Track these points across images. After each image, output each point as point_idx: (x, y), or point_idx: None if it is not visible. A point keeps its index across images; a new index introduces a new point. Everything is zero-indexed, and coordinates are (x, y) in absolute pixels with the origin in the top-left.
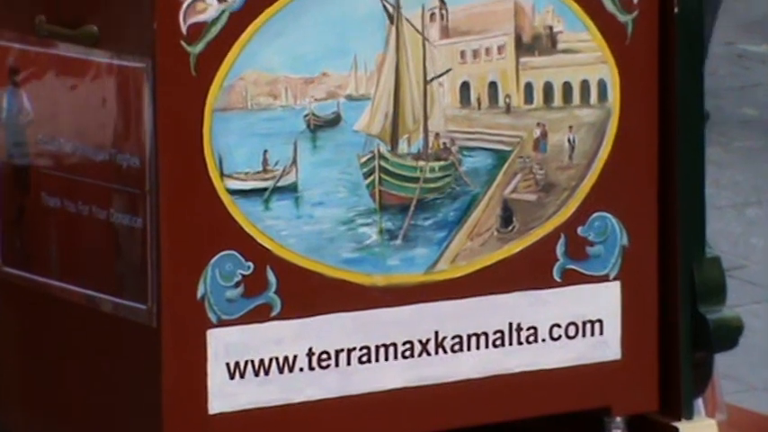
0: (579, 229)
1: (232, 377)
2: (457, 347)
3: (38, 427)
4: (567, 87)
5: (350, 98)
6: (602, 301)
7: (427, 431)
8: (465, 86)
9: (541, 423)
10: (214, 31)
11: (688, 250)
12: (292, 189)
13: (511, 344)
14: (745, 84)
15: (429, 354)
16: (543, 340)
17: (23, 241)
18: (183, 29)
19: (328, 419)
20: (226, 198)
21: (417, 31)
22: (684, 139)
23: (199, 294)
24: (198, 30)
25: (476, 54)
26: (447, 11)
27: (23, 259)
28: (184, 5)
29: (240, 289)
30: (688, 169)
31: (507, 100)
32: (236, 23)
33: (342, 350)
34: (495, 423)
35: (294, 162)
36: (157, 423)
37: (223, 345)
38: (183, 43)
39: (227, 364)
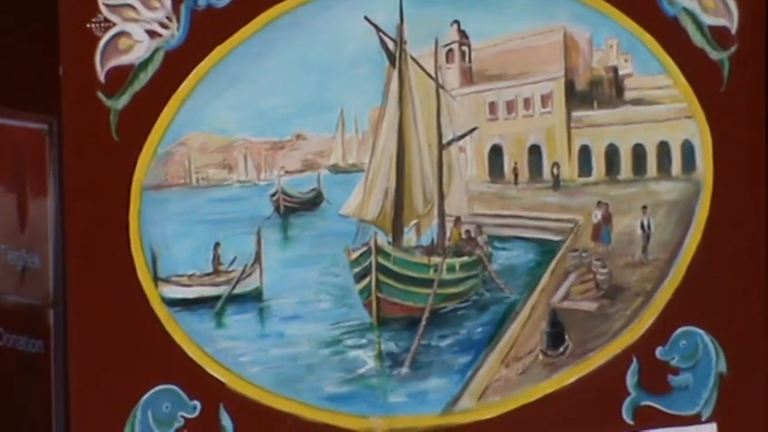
0: (658, 351)
1: None
2: None
3: None
4: (638, 152)
5: (335, 170)
6: None
7: None
8: (496, 152)
9: None
10: (144, 77)
11: None
12: (255, 297)
13: None
14: None
15: None
16: None
17: None
18: (101, 75)
19: None
20: (161, 311)
21: (429, 75)
22: None
23: None
24: (121, 76)
25: (510, 107)
26: (470, 47)
27: None
28: (102, 42)
29: None
30: None
31: (555, 170)
32: (175, 67)
33: None
34: None
35: (257, 260)
36: None
37: None
38: (100, 95)
39: None
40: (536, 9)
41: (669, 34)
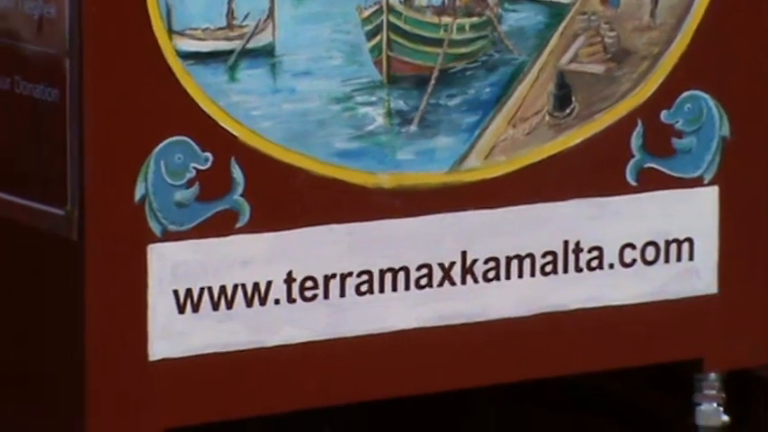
0: (663, 114)
1: (182, 311)
2: (491, 275)
3: None
4: None
5: None
6: (694, 213)
7: (450, 389)
8: None
9: (605, 381)
10: None
11: None
12: (268, 52)
13: (566, 271)
14: None
15: (453, 283)
16: (611, 266)
17: None
18: None
19: (313, 370)
20: (175, 64)
21: None
22: None
23: (137, 196)
24: None
25: None
26: None
27: None
28: None
29: (194, 189)
30: None
31: None
32: None
33: (333, 276)
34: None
35: (270, 15)
36: (79, 372)
37: (170, 266)
38: None
39: (176, 293)
40: None
41: None
